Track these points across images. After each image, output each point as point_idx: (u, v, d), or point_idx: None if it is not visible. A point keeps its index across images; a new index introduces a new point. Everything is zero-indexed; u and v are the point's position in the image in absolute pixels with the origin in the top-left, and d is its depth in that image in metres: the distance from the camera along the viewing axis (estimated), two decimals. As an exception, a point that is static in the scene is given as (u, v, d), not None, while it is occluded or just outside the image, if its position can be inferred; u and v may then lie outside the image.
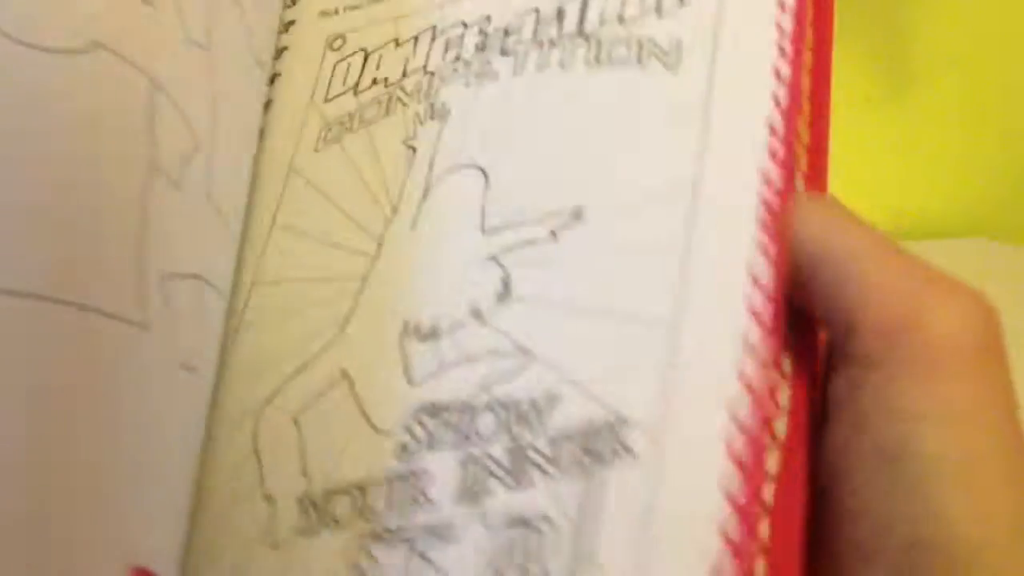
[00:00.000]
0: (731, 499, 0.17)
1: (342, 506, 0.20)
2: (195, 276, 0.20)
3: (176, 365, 0.20)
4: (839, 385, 0.18)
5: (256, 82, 0.25)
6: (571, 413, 0.19)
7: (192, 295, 0.20)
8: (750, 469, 0.17)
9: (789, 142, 0.20)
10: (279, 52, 0.28)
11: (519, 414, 0.19)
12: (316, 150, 0.26)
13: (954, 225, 0.55)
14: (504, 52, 0.24)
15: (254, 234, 0.25)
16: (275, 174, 0.26)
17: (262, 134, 0.27)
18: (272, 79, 0.28)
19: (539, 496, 0.18)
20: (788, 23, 0.22)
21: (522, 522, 0.18)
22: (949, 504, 0.16)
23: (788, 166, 0.20)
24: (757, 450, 0.17)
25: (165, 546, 0.19)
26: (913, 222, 0.54)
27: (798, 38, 0.21)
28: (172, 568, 0.19)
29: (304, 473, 0.21)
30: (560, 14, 0.24)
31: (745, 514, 0.17)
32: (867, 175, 0.55)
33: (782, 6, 0.22)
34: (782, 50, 0.21)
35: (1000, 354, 0.17)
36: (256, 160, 0.27)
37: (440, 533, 0.19)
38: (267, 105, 0.27)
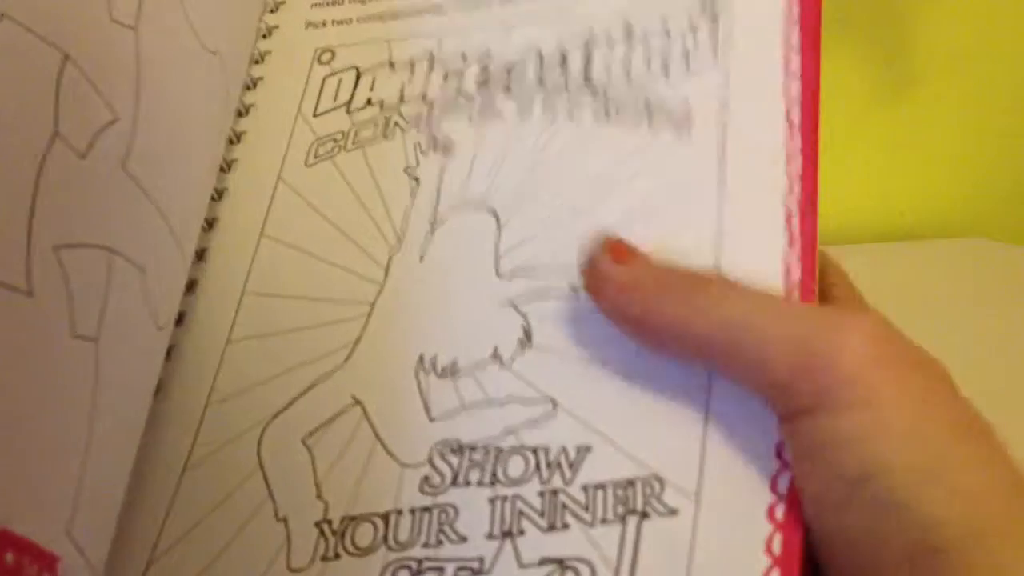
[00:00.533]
0: (771, 554, 0.18)
1: (364, 534, 0.20)
2: (100, 247, 0.20)
3: (65, 334, 0.20)
4: (790, 433, 0.18)
5: (206, 68, 0.25)
6: (603, 465, 0.19)
7: (93, 265, 0.20)
8: (788, 528, 0.18)
9: (807, 227, 0.20)
10: (262, 56, 0.28)
11: (549, 461, 0.20)
12: (307, 164, 0.26)
13: (954, 225, 0.55)
14: (508, 90, 0.24)
15: (240, 240, 0.25)
16: (263, 182, 0.26)
17: (243, 137, 0.27)
18: (255, 83, 0.28)
19: (575, 539, 0.19)
20: (795, 89, 0.22)
21: (557, 562, 0.19)
22: (931, 508, 0.16)
23: (809, 242, 0.20)
24: (791, 506, 0.18)
25: (54, 520, 0.18)
26: (913, 222, 0.54)
27: (808, 109, 0.22)
28: (68, 547, 0.18)
29: (319, 497, 0.21)
30: (563, 59, 0.24)
31: (785, 567, 0.18)
32: (868, 175, 0.55)
33: (788, 72, 0.22)
34: (791, 124, 0.22)
35: (907, 358, 0.18)
36: (240, 163, 0.27)
37: (471, 566, 0.19)
38: (249, 108, 0.27)
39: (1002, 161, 0.54)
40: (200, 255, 0.25)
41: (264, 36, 0.29)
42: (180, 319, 0.24)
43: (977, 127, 0.53)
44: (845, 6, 0.48)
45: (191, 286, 0.25)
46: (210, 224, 0.26)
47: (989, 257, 0.52)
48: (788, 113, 0.22)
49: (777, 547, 0.18)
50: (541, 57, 0.25)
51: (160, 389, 0.23)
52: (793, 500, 0.18)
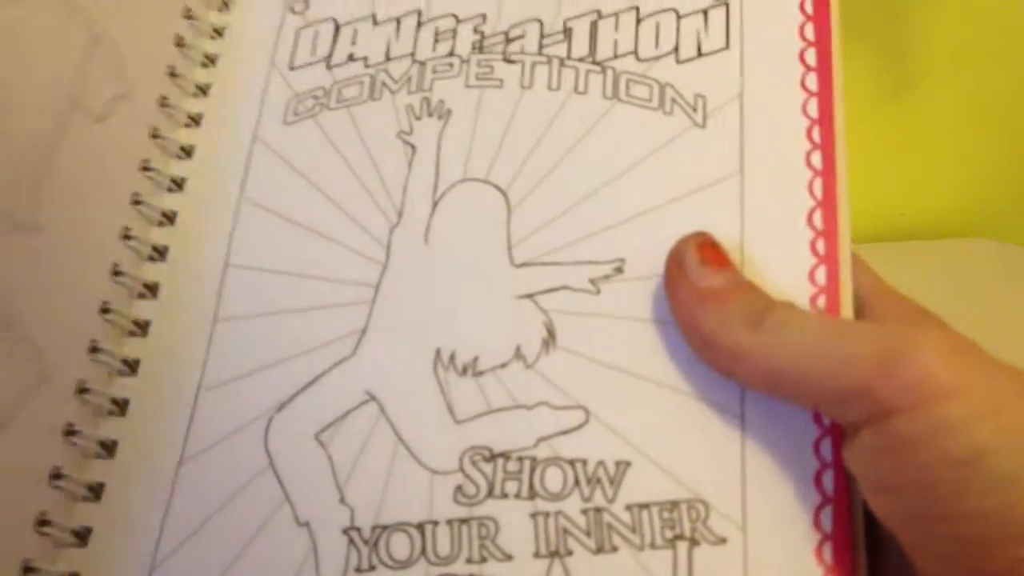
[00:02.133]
0: (823, 562, 0.18)
1: (399, 545, 0.19)
2: None
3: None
4: (861, 450, 0.18)
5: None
6: (645, 484, 0.19)
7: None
8: (837, 536, 0.18)
9: (830, 204, 0.21)
10: (225, 3, 0.26)
11: (588, 475, 0.19)
12: (286, 122, 0.24)
13: (954, 225, 0.55)
14: (508, 60, 0.23)
15: (215, 204, 0.24)
16: (236, 140, 0.24)
17: (208, 89, 0.25)
18: (219, 32, 0.26)
19: (626, 564, 0.19)
20: (813, 83, 0.22)
21: None
22: None
23: (833, 235, 0.20)
24: (838, 515, 0.18)
25: None
26: (913, 222, 0.54)
27: (826, 99, 0.22)
28: None
29: (343, 502, 0.20)
30: (567, 32, 0.23)
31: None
32: (868, 175, 0.55)
33: (805, 65, 0.22)
34: (811, 119, 0.22)
35: (978, 349, 0.18)
36: (207, 118, 0.25)
37: None
38: (214, 59, 0.25)
39: (1003, 161, 0.54)
40: (169, 218, 0.24)
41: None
42: (152, 289, 0.23)
43: (977, 127, 0.53)
44: (845, 6, 0.48)
45: (162, 252, 0.23)
46: (178, 184, 0.24)
47: (989, 257, 0.52)
48: (805, 106, 0.22)
49: (828, 556, 0.18)
50: (542, 26, 0.23)
51: (136, 366, 0.22)
52: (841, 507, 0.18)
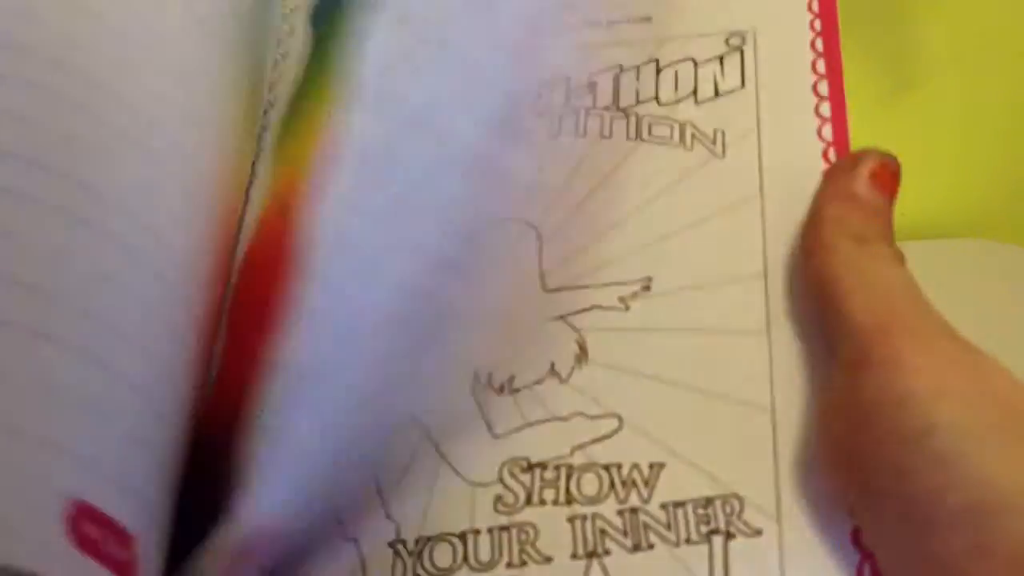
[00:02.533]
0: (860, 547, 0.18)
1: (442, 554, 0.20)
2: None
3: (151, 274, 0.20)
4: (842, 390, 0.19)
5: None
6: (679, 483, 0.20)
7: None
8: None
9: None
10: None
11: (623, 478, 0.20)
12: None
13: (954, 225, 0.55)
14: (536, 113, 0.24)
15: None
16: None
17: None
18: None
19: (662, 559, 0.19)
20: (827, 110, 0.23)
21: None
22: (993, 467, 0.16)
23: None
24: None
25: (132, 496, 0.18)
26: (913, 222, 0.55)
27: (839, 123, 0.23)
28: (144, 525, 0.18)
29: (389, 517, 0.21)
30: (592, 86, 0.24)
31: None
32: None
33: (817, 93, 0.23)
34: (826, 142, 0.23)
35: (976, 351, 0.19)
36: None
37: None
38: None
39: (1002, 161, 0.54)
40: None
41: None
42: None
43: (977, 128, 0.53)
44: (845, 7, 0.48)
45: None
46: None
47: (989, 257, 0.52)
48: (820, 130, 0.23)
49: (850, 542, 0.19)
50: (569, 85, 0.25)
51: None
52: None
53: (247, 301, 0.22)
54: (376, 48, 0.22)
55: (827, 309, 0.19)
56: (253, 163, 0.26)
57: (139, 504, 0.18)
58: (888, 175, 0.21)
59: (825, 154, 0.22)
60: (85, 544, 0.16)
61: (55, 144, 0.19)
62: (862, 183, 0.21)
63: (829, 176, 0.21)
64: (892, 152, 0.21)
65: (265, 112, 0.27)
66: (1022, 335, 0.42)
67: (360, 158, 0.21)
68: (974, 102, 0.52)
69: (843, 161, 0.21)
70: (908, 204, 0.62)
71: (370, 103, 0.22)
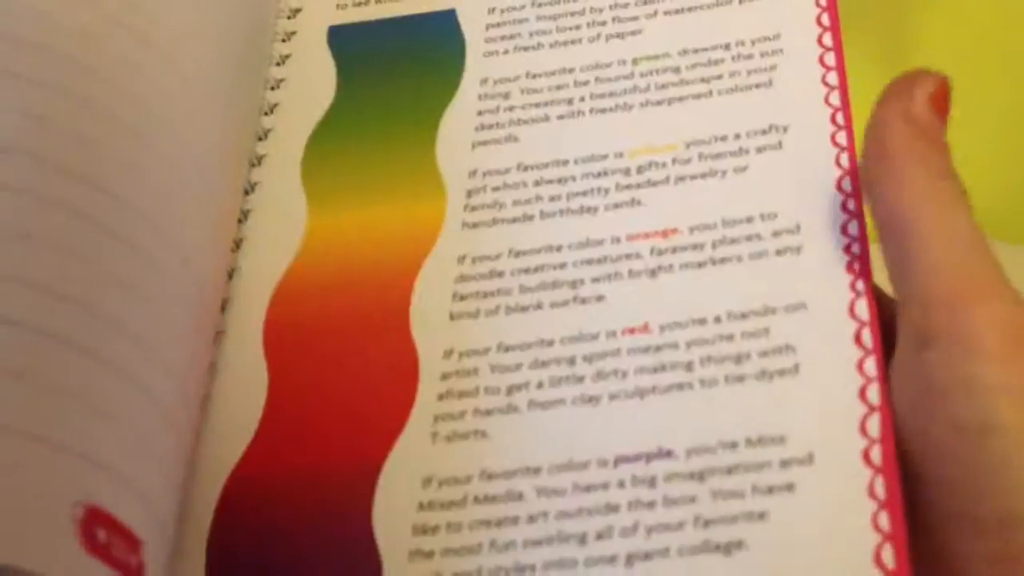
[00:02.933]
0: (875, 498, 0.18)
1: None
2: None
3: (178, 260, 0.20)
4: (906, 361, 0.18)
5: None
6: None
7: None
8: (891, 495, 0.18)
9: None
10: (282, 59, 0.28)
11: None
12: None
13: (954, 225, 0.55)
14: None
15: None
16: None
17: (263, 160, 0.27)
18: (277, 83, 0.27)
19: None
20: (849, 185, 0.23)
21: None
22: None
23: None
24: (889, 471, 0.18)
25: (141, 500, 0.18)
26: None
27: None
28: (152, 530, 0.18)
29: None
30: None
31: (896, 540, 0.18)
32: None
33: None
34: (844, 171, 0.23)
35: None
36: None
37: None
38: (267, 133, 0.27)
39: (1002, 161, 0.54)
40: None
41: (283, 40, 0.28)
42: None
43: (977, 128, 0.53)
44: (845, 7, 0.48)
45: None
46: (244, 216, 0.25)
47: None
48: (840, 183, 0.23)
49: (881, 491, 0.18)
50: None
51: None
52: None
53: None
54: None
55: (898, 257, 0.18)
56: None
57: (148, 511, 0.18)
58: (944, 97, 0.20)
59: (840, 186, 0.23)
60: (95, 548, 0.16)
61: (81, 149, 0.19)
62: (923, 107, 0.20)
63: (888, 98, 0.20)
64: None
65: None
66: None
67: None
68: (973, 102, 0.52)
69: (898, 82, 0.20)
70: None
71: None
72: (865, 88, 0.49)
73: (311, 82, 0.27)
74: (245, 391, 0.23)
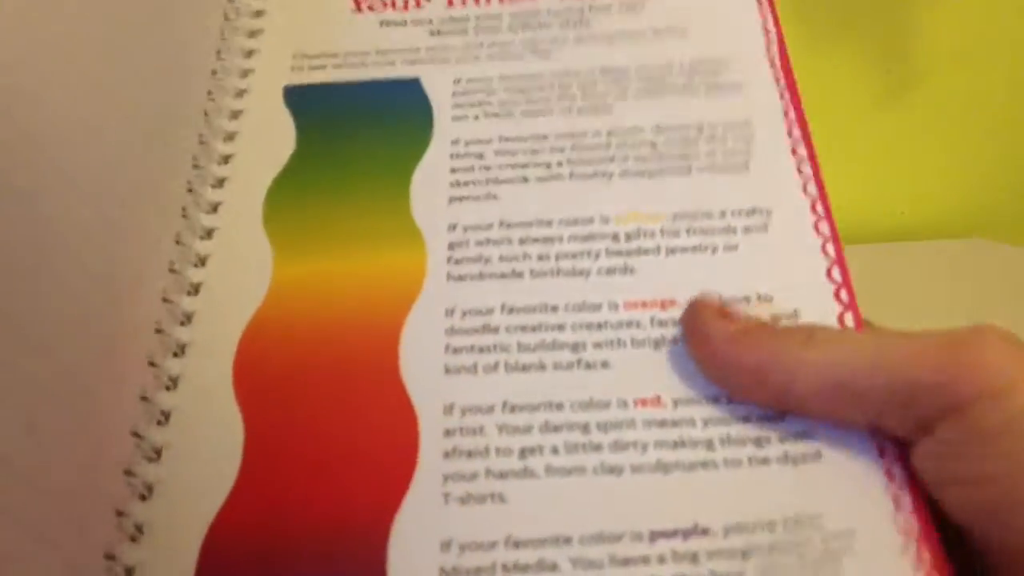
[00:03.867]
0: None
1: None
2: None
3: None
4: (935, 445, 0.18)
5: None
6: None
7: None
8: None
9: None
10: (235, 113, 0.28)
11: None
12: None
13: (954, 225, 0.55)
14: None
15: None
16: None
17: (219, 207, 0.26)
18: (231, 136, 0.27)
19: None
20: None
21: None
22: None
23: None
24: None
25: None
26: (913, 222, 0.55)
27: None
28: None
29: None
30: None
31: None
32: (867, 175, 0.55)
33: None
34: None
35: None
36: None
37: None
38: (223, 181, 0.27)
39: (1002, 162, 0.54)
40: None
41: (236, 96, 0.28)
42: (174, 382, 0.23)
43: (977, 128, 0.53)
44: (845, 6, 0.48)
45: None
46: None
47: (989, 257, 0.52)
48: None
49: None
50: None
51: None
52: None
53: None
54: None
55: (861, 408, 0.19)
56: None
57: None
58: (721, 310, 0.21)
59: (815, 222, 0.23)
60: None
61: None
62: (729, 322, 0.20)
63: (699, 347, 0.21)
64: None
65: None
66: (1022, 335, 0.42)
67: None
68: (975, 102, 0.52)
69: (692, 337, 0.21)
70: (908, 204, 0.62)
71: None
72: (866, 88, 0.50)
73: (268, 135, 0.27)
74: (219, 440, 0.22)
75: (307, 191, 0.26)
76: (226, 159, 0.27)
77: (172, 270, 0.25)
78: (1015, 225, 0.55)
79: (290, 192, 0.26)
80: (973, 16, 0.50)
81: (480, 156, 0.26)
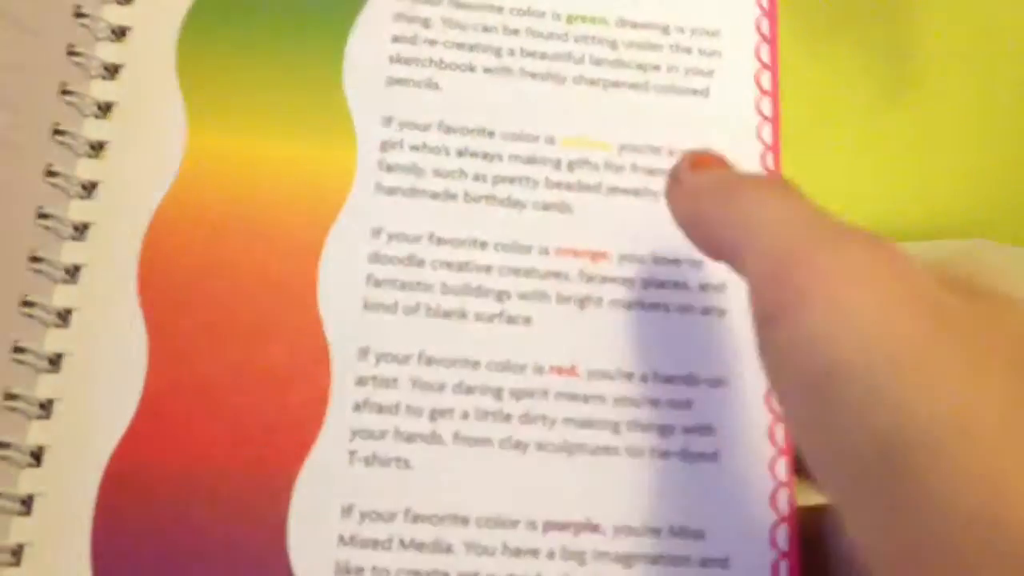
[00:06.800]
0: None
1: None
2: None
3: None
4: (761, 354, 0.17)
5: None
6: None
7: None
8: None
9: None
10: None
11: None
12: None
13: (954, 225, 0.55)
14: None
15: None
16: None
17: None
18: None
19: None
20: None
21: None
22: (905, 394, 0.14)
23: None
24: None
25: None
26: (913, 222, 0.54)
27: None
28: None
29: None
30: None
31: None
32: (867, 175, 0.55)
33: None
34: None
35: (900, 256, 0.17)
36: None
37: None
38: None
39: (1002, 162, 0.54)
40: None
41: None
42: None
43: (978, 128, 0.53)
44: (845, 6, 0.48)
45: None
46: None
47: (989, 257, 0.52)
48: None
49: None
50: None
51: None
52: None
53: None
54: None
55: (739, 271, 0.18)
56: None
57: None
58: (701, 159, 0.20)
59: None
60: None
61: None
62: (691, 177, 0.20)
63: (668, 197, 0.20)
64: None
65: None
66: (1022, 336, 0.42)
67: None
68: (976, 102, 0.52)
69: (666, 188, 0.21)
70: (909, 204, 0.62)
71: None
72: (866, 88, 0.49)
73: None
74: (119, 352, 0.20)
75: (229, 32, 0.22)
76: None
77: (58, 130, 0.21)
78: (1016, 225, 0.55)
79: (209, 29, 0.22)
80: (974, 17, 0.49)
81: (426, 23, 0.23)
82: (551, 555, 0.20)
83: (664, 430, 0.21)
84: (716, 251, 0.19)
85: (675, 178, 0.20)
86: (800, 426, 0.16)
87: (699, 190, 0.19)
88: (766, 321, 0.17)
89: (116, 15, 0.23)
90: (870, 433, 0.14)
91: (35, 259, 0.20)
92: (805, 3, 0.50)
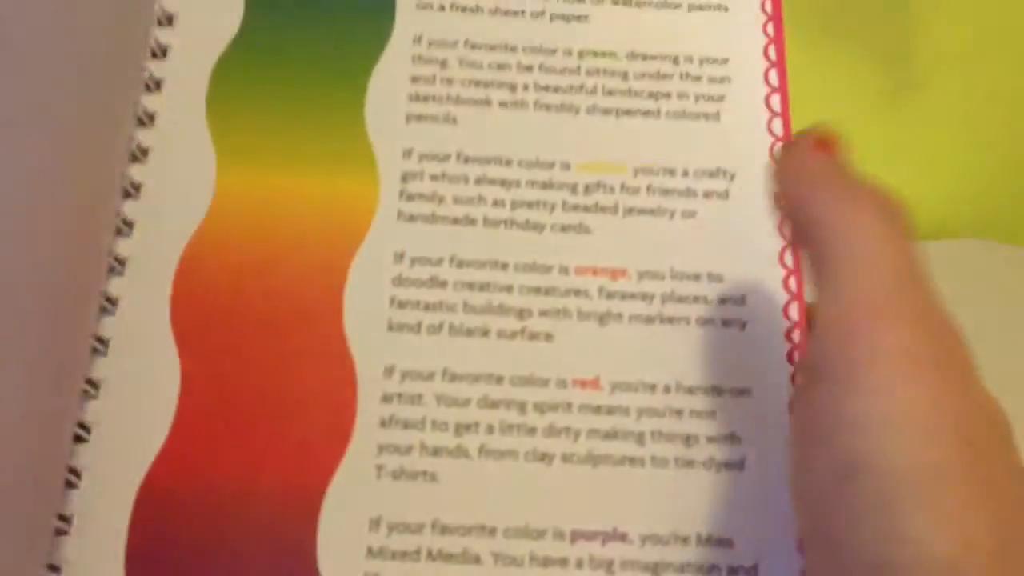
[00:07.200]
0: None
1: None
2: None
3: None
4: (797, 400, 0.17)
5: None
6: None
7: None
8: None
9: None
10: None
11: None
12: None
13: (954, 225, 0.55)
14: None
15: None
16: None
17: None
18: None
19: None
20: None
21: None
22: (916, 523, 0.14)
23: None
24: None
25: None
26: (913, 222, 0.54)
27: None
28: None
29: None
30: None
31: None
32: (867, 175, 0.55)
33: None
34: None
35: (954, 359, 0.16)
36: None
37: None
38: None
39: (1002, 162, 0.54)
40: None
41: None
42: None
43: (978, 128, 0.53)
44: (845, 6, 0.48)
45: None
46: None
47: (989, 257, 0.52)
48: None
49: None
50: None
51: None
52: None
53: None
54: None
55: (813, 272, 0.18)
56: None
57: None
58: (825, 142, 0.20)
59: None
60: None
61: None
62: (814, 158, 0.20)
63: (779, 171, 0.20)
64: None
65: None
66: (1022, 336, 0.42)
67: None
68: (975, 103, 0.52)
69: (781, 158, 0.20)
70: (908, 204, 0.62)
71: None
72: (866, 88, 0.49)
73: (215, 8, 0.24)
74: (154, 378, 0.21)
75: (254, 76, 0.24)
76: (169, 19, 0.24)
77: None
78: (1015, 226, 0.55)
79: (235, 74, 0.24)
80: (974, 17, 0.49)
81: (443, 64, 0.24)
82: (579, 564, 0.20)
83: (689, 440, 0.21)
84: (802, 238, 0.19)
85: (792, 151, 0.20)
86: (811, 497, 0.16)
87: (816, 176, 0.19)
88: (818, 381, 0.16)
89: (153, 67, 0.24)
90: (870, 543, 0.14)
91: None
92: (807, 9, 0.50)
